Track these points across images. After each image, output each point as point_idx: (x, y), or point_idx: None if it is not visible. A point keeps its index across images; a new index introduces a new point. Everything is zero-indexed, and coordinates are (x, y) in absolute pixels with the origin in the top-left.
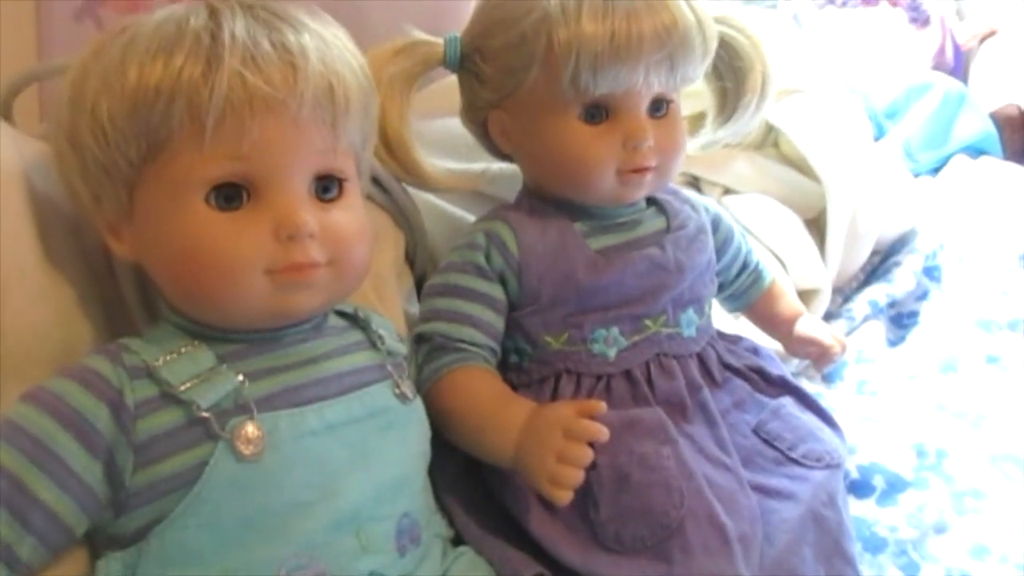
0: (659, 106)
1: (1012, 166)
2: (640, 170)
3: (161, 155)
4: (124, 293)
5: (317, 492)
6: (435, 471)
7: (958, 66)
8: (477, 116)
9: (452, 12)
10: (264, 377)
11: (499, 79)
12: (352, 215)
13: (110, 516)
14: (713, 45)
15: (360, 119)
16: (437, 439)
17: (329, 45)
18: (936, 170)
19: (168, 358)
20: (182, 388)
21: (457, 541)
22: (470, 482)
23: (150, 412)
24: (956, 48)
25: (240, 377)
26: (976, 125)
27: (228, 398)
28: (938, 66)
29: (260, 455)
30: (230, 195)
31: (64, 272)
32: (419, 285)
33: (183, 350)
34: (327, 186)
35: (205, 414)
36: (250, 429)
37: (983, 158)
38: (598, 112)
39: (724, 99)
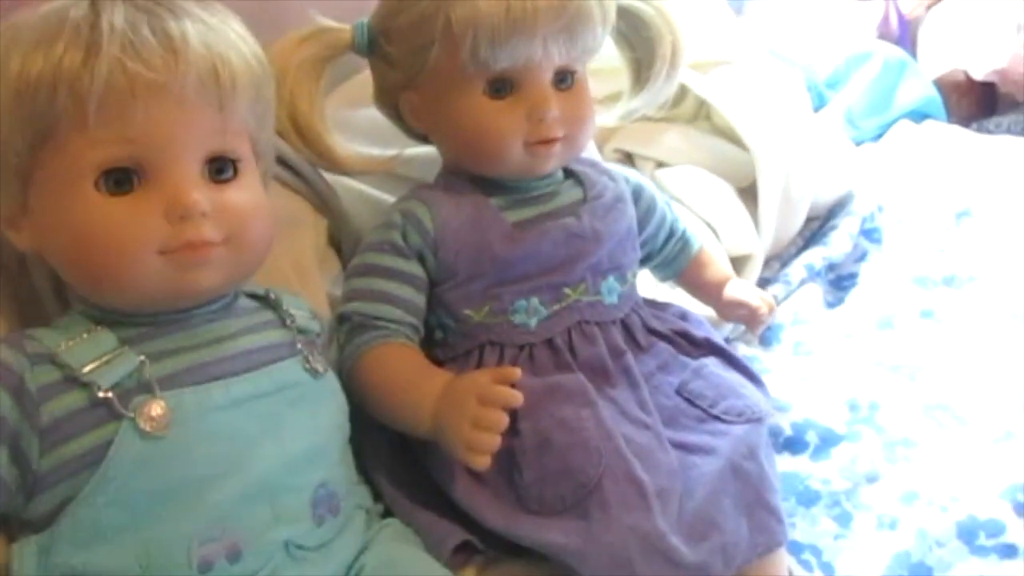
0: (564, 77)
1: (955, 128)
2: (547, 141)
3: (48, 144)
4: (37, 287)
5: (226, 465)
6: (365, 447)
7: (904, 34)
8: (389, 99)
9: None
10: (169, 357)
11: (405, 59)
12: (248, 194)
13: (21, 500)
14: (612, 15)
15: (250, 101)
16: (361, 415)
17: (213, 29)
18: (879, 137)
19: (70, 343)
20: (84, 370)
21: (388, 516)
22: (399, 457)
23: (53, 396)
24: (901, 17)
25: (141, 357)
26: (918, 90)
27: (130, 378)
28: (883, 35)
29: (165, 432)
30: (120, 179)
31: None
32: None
33: (85, 335)
34: (221, 167)
35: (107, 394)
36: (154, 407)
37: (927, 122)
38: (503, 86)
39: (637, 69)
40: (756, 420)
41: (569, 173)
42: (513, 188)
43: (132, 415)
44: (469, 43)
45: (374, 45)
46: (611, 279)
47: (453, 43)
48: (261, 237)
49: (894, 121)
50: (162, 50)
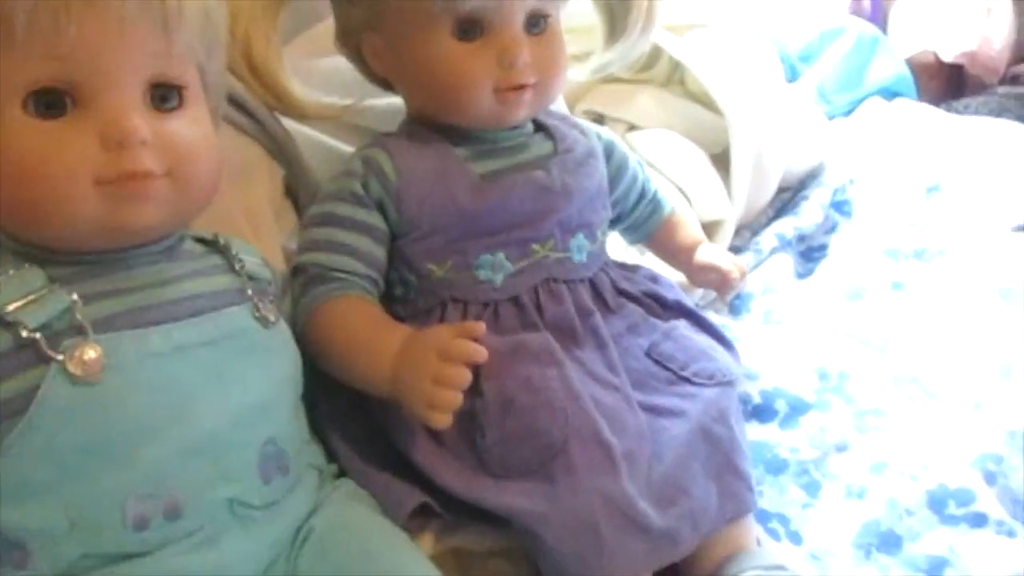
0: (536, 22)
1: (925, 107)
2: (518, 87)
3: None
4: None
5: (166, 416)
6: (320, 405)
7: (875, 13)
8: (350, 40)
9: None
10: (104, 298)
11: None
12: (194, 126)
13: None
14: None
15: (199, 24)
16: (317, 372)
17: None
18: (850, 112)
19: None
20: (8, 309)
21: (342, 476)
22: (356, 416)
23: None
24: None
25: (74, 296)
26: (890, 68)
27: (61, 319)
28: (855, 13)
29: (98, 377)
30: (51, 102)
31: None
32: None
33: (11, 272)
34: (165, 95)
35: (34, 335)
36: (86, 350)
37: (897, 100)
38: (471, 28)
39: (612, 20)
40: (727, 383)
41: (539, 126)
42: (480, 138)
43: (61, 358)
44: None
45: None
46: (580, 236)
47: None
48: (207, 173)
49: (865, 97)
50: None
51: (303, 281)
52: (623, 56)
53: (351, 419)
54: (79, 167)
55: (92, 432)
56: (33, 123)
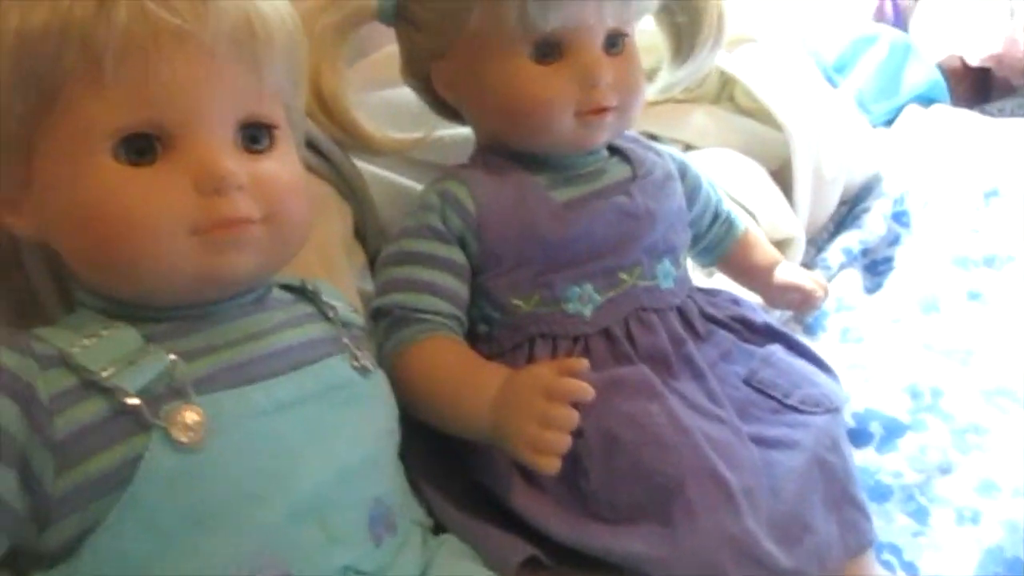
0: (614, 41)
1: (964, 111)
2: (600, 110)
3: (55, 107)
4: (35, 285)
5: (271, 480)
6: (404, 454)
7: (897, 21)
8: (419, 70)
9: None
10: (200, 356)
11: (438, 24)
12: (286, 167)
13: (33, 531)
14: None
15: (286, 60)
16: (403, 419)
17: None
18: (889, 121)
19: (86, 342)
20: (104, 374)
21: (437, 529)
22: (443, 463)
23: (69, 405)
24: (895, 3)
25: (172, 356)
26: (924, 74)
27: (159, 381)
28: (878, 21)
29: (201, 443)
30: (141, 148)
31: None
32: (372, 263)
33: (103, 332)
34: (255, 135)
35: (134, 401)
36: (188, 414)
37: (935, 106)
38: (550, 50)
39: (679, 37)
40: (835, 410)
41: (614, 149)
42: (558, 165)
43: (163, 424)
44: (517, 3)
45: (401, 10)
46: (666, 262)
47: (497, 4)
48: (302, 216)
49: (903, 105)
50: None
51: (386, 324)
52: (692, 74)
53: (441, 467)
54: (174, 216)
55: (197, 501)
56: (124, 171)
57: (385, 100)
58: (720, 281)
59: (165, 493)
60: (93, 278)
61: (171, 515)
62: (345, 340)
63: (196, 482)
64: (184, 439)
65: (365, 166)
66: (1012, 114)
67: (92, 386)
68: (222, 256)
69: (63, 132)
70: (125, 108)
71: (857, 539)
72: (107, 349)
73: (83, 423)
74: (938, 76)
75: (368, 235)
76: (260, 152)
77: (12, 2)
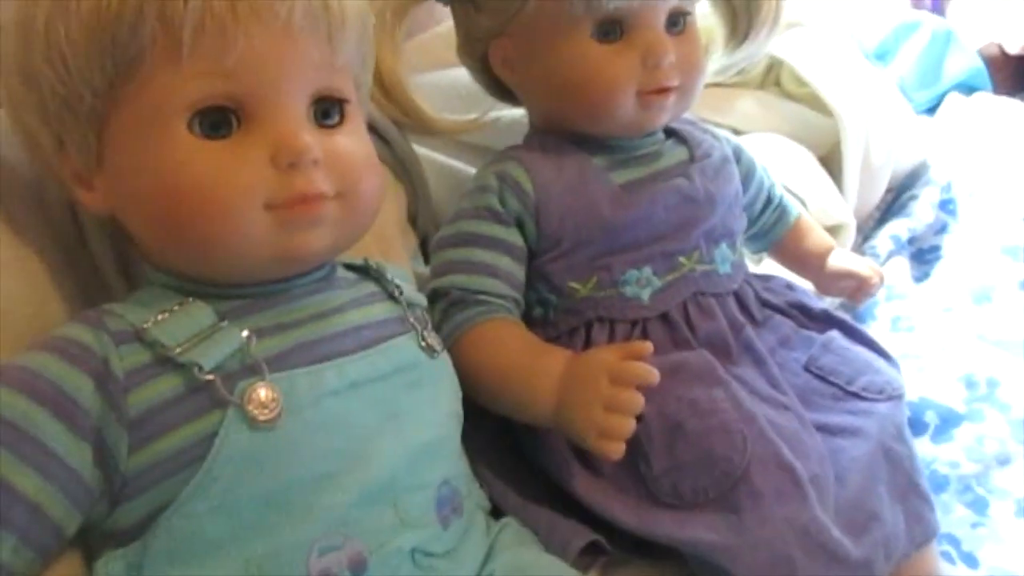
0: (676, 20)
1: (1007, 100)
2: (662, 90)
3: (132, 80)
4: (98, 262)
5: (345, 460)
6: (464, 439)
7: (936, 8)
8: (476, 49)
9: None
10: (274, 334)
11: (499, 3)
12: (358, 142)
13: (105, 508)
14: None
15: (357, 36)
16: (463, 404)
17: None
18: (931, 109)
19: (160, 318)
20: (179, 350)
21: (495, 514)
22: (503, 447)
23: (144, 381)
24: None
25: (245, 333)
26: (966, 61)
27: (234, 358)
28: (916, 8)
29: (276, 421)
30: (217, 121)
31: (29, 243)
32: (423, 246)
33: (176, 308)
34: (327, 110)
35: (209, 377)
36: (263, 392)
37: (977, 94)
38: (612, 29)
39: (734, 22)
40: (898, 397)
41: (670, 132)
42: (615, 147)
43: (239, 401)
44: None
45: None
46: (723, 246)
47: None
48: (374, 193)
49: (944, 93)
50: None
51: (444, 306)
52: (749, 58)
53: (499, 451)
54: (252, 190)
55: (271, 481)
56: (200, 144)
57: (434, 82)
58: (769, 268)
59: (239, 471)
60: (165, 254)
61: (245, 494)
62: (412, 320)
63: (270, 461)
64: (260, 417)
65: (417, 148)
66: None
67: (167, 362)
68: (296, 232)
69: (139, 105)
70: (202, 81)
71: (923, 530)
72: (181, 325)
73: (158, 399)
74: (979, 64)
75: (420, 218)
76: (332, 127)
77: None
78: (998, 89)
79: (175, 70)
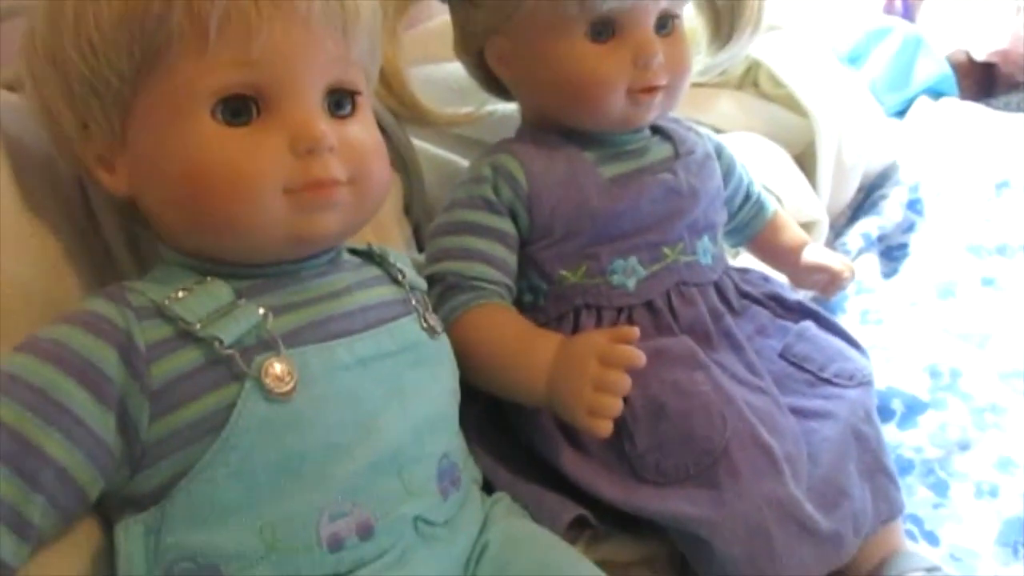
0: (665, 22)
1: (974, 105)
2: (651, 89)
3: (158, 66)
4: (108, 239)
5: (354, 432)
6: (459, 418)
7: (906, 14)
8: (472, 45)
9: None
10: (287, 312)
11: (497, 2)
12: (368, 132)
13: (126, 474)
14: None
15: (369, 29)
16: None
17: None
18: (900, 112)
19: (180, 294)
20: (199, 325)
21: (487, 489)
22: (494, 426)
23: (165, 353)
24: None
25: (261, 310)
26: (934, 67)
27: (251, 334)
28: (887, 14)
29: (291, 393)
30: (238, 108)
31: (44, 221)
32: (415, 234)
33: (195, 286)
34: (340, 101)
35: (228, 351)
36: (278, 366)
37: (944, 99)
38: (605, 29)
39: (717, 24)
40: (867, 383)
41: (655, 129)
42: (605, 142)
43: (256, 375)
44: None
45: None
46: (705, 239)
47: None
48: (383, 179)
49: (913, 97)
50: None
51: (440, 291)
52: (731, 59)
53: (491, 429)
54: (272, 175)
55: (285, 450)
56: (223, 130)
57: (427, 75)
58: (746, 261)
59: (256, 441)
60: (186, 234)
61: (261, 462)
62: (414, 302)
63: (285, 431)
64: (276, 389)
65: (412, 140)
66: (1017, 108)
67: (187, 336)
68: (311, 215)
69: (164, 92)
70: (226, 71)
71: (888, 507)
72: (201, 301)
73: (179, 372)
74: (947, 70)
75: (414, 207)
76: (344, 117)
77: None
78: (964, 94)
79: (200, 59)
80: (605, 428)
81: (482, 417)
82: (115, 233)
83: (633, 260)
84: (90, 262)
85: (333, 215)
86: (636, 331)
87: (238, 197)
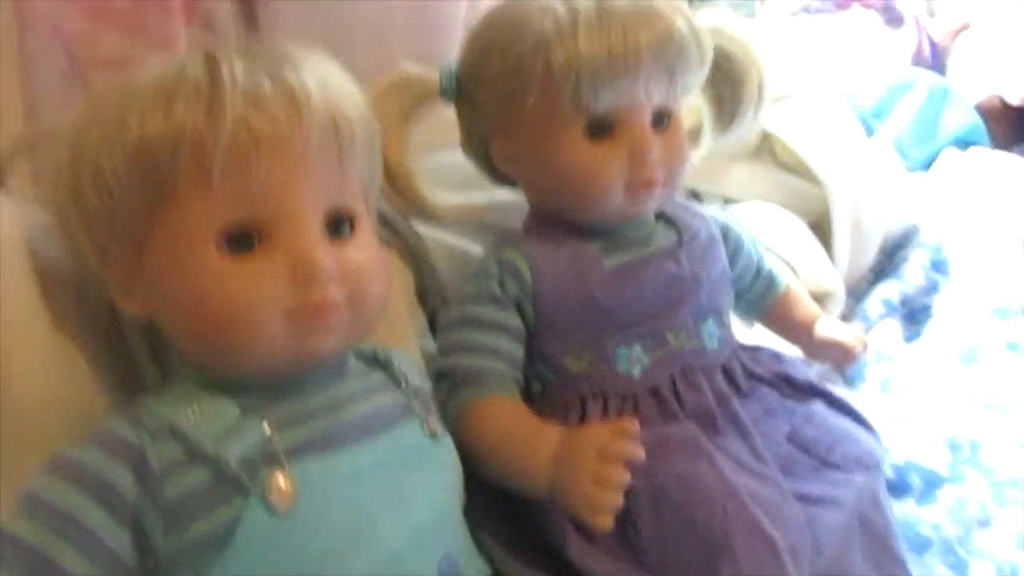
0: (661, 119)
1: (1002, 154)
2: (648, 184)
3: (168, 205)
4: (135, 354)
5: (354, 539)
6: (467, 509)
7: (935, 63)
8: (477, 145)
9: (440, 42)
10: (290, 425)
11: (497, 106)
12: (367, 250)
13: None
14: (709, 53)
15: (366, 152)
16: (466, 475)
17: (328, 80)
18: (928, 164)
19: (191, 414)
20: (208, 443)
21: None
22: (503, 517)
23: (177, 472)
24: (932, 45)
25: (267, 427)
26: (963, 117)
27: (256, 449)
28: (917, 64)
29: (293, 506)
30: (240, 240)
31: (73, 337)
32: (431, 322)
33: (204, 405)
34: (338, 225)
35: (234, 469)
36: (281, 480)
37: (973, 149)
38: (602, 128)
39: (720, 107)
40: (874, 467)
41: (659, 216)
42: (607, 232)
43: (260, 491)
44: (571, 86)
45: (462, 91)
46: (710, 322)
47: (553, 87)
48: (380, 298)
49: (941, 149)
50: (285, 104)
51: (448, 385)
52: (738, 139)
53: (498, 520)
54: (272, 304)
55: (288, 560)
56: (226, 262)
57: (438, 163)
58: (761, 333)
59: (260, 553)
60: (195, 355)
61: (263, 573)
62: (416, 407)
63: (287, 543)
64: (278, 505)
65: (424, 230)
66: None
67: (197, 455)
68: (311, 336)
69: (173, 226)
70: (229, 206)
71: None
72: (209, 420)
73: (189, 489)
74: (977, 119)
75: (428, 295)
76: (343, 240)
77: (130, 110)
78: (997, 140)
79: (205, 196)
80: (605, 523)
81: (491, 506)
82: (141, 348)
83: (637, 348)
84: (115, 373)
85: (331, 336)
86: (636, 425)
87: (243, 327)
